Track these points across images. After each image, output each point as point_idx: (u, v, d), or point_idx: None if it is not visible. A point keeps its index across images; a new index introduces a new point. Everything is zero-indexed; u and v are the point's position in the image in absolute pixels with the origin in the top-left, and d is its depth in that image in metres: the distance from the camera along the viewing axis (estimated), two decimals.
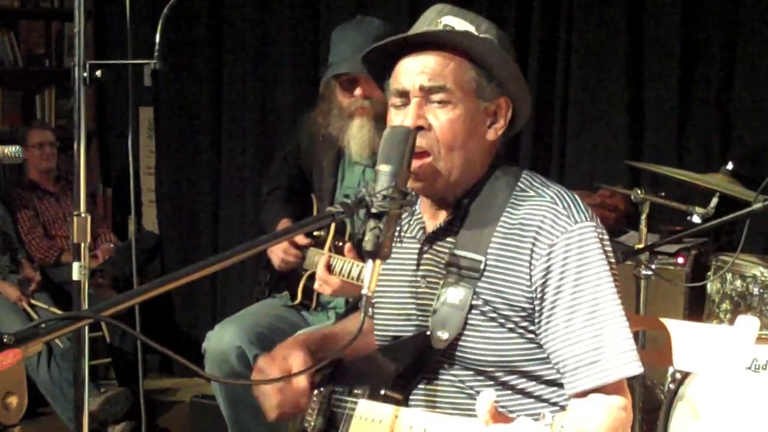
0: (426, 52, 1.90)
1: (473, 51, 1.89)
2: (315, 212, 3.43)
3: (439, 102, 1.88)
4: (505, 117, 1.96)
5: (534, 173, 1.99)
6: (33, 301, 4.51)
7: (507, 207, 1.91)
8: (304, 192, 3.49)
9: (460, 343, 1.91)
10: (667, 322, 2.15)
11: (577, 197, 1.92)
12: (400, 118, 1.90)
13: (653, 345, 2.10)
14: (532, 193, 1.92)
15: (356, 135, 3.19)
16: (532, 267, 1.86)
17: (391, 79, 1.95)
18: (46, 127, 5.21)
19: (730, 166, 3.40)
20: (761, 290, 3.19)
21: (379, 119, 3.13)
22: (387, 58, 1.96)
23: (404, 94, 1.91)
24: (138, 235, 5.30)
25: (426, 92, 1.88)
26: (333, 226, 3.20)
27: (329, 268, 3.09)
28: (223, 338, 3.21)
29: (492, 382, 1.93)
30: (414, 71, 1.90)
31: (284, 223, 3.41)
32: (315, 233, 3.28)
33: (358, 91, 3.17)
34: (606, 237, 1.90)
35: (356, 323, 1.66)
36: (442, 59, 1.89)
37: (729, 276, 3.26)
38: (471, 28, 1.91)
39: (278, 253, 3.32)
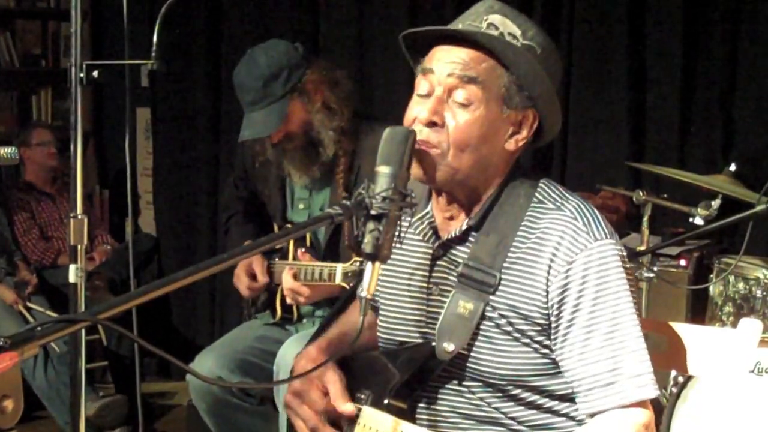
0: (463, 46, 1.86)
1: (508, 59, 1.85)
2: (275, 230, 3.37)
3: (461, 102, 1.84)
4: (530, 129, 1.91)
5: (551, 182, 1.96)
6: (29, 304, 4.49)
7: (524, 219, 1.88)
8: (262, 212, 3.47)
9: (471, 354, 1.89)
10: (669, 325, 2.15)
11: (597, 212, 1.90)
12: (418, 108, 1.87)
13: (655, 348, 2.07)
14: (551, 206, 1.89)
15: (290, 167, 3.18)
16: (549, 283, 1.83)
17: (424, 62, 1.91)
18: (47, 126, 5.21)
19: (732, 167, 3.40)
20: (764, 293, 3.17)
21: (306, 147, 3.12)
22: (423, 45, 1.92)
23: (428, 72, 1.87)
24: (135, 237, 5.28)
25: (452, 84, 1.84)
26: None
27: (295, 277, 3.07)
28: (202, 370, 3.17)
29: (502, 394, 1.91)
30: (447, 59, 1.86)
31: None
32: (277, 246, 3.24)
33: (272, 140, 3.13)
34: (625, 254, 1.87)
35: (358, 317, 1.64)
36: (477, 56, 1.85)
37: (732, 278, 3.23)
38: (517, 32, 1.87)
39: (243, 289, 3.31)
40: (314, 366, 1.93)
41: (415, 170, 1.84)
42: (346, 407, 1.94)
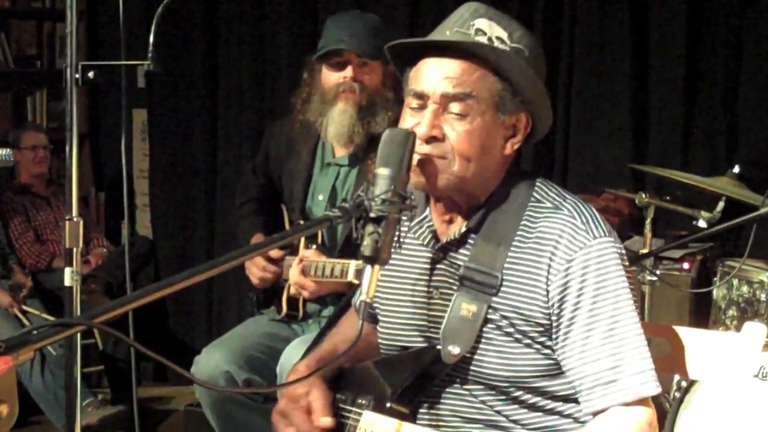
0: (452, 56, 1.86)
1: (501, 67, 1.85)
2: (286, 222, 3.36)
3: (457, 114, 1.84)
4: (524, 132, 1.93)
5: (548, 182, 1.97)
6: (24, 308, 4.46)
7: (523, 219, 1.89)
8: (275, 202, 3.45)
9: (474, 357, 1.88)
10: (672, 328, 2.14)
11: (595, 211, 1.90)
12: (413, 121, 1.87)
13: (658, 352, 2.07)
14: (549, 205, 1.90)
15: (337, 119, 3.12)
16: (549, 282, 1.83)
17: (411, 77, 1.91)
18: (39, 129, 5.16)
19: (736, 169, 3.39)
20: None
21: (363, 108, 3.10)
22: (410, 54, 1.92)
23: (423, 97, 1.86)
24: (131, 239, 5.26)
25: (447, 100, 1.84)
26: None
27: (303, 272, 3.06)
28: (210, 363, 3.14)
29: (504, 397, 1.90)
30: (438, 75, 1.85)
31: (258, 238, 3.36)
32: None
33: (348, 72, 3.11)
34: (623, 252, 1.88)
35: (354, 329, 1.64)
36: (468, 67, 1.85)
37: (735, 282, 3.24)
38: (503, 35, 1.86)
39: (256, 272, 3.28)
40: (297, 378, 1.96)
41: (419, 179, 1.85)
42: (323, 420, 1.97)
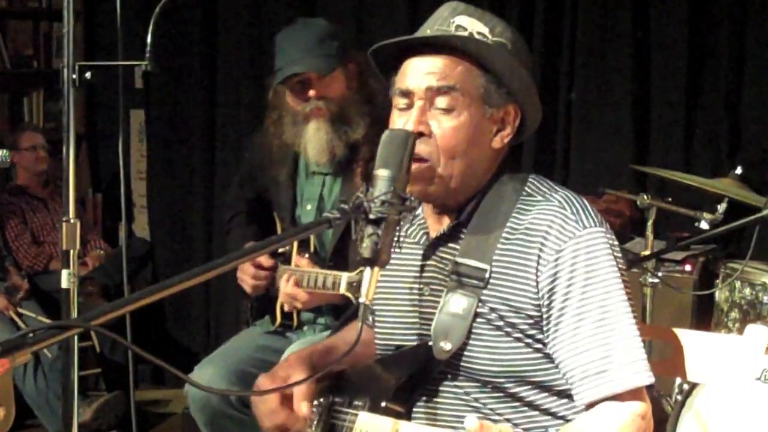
0: (434, 53, 1.88)
1: (483, 58, 1.87)
2: (279, 232, 3.33)
3: (443, 109, 1.86)
4: (513, 125, 1.94)
5: (541, 177, 1.97)
6: (20, 310, 4.45)
7: (513, 212, 1.89)
8: (265, 214, 3.42)
9: (465, 353, 1.88)
10: (674, 331, 2.13)
11: (586, 202, 1.90)
12: (402, 120, 1.88)
13: (660, 355, 2.09)
14: (540, 198, 1.90)
15: (313, 139, 3.09)
16: (539, 273, 1.83)
17: (397, 78, 1.92)
18: (37, 129, 5.16)
19: (739, 170, 3.40)
20: None
21: (336, 120, 3.08)
22: (393, 58, 1.94)
23: (408, 95, 1.88)
24: (129, 241, 5.25)
25: (432, 95, 1.86)
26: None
27: (297, 284, 3.03)
28: (203, 380, 3.07)
29: (497, 393, 1.90)
30: (421, 71, 1.87)
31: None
32: (280, 250, 3.19)
33: (311, 92, 3.08)
34: (615, 243, 1.87)
35: (355, 333, 1.63)
36: (450, 62, 1.87)
37: (738, 284, 3.24)
38: (485, 30, 1.88)
39: (248, 280, 3.24)
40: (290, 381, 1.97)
41: (411, 188, 1.83)
42: (302, 407, 1.97)
